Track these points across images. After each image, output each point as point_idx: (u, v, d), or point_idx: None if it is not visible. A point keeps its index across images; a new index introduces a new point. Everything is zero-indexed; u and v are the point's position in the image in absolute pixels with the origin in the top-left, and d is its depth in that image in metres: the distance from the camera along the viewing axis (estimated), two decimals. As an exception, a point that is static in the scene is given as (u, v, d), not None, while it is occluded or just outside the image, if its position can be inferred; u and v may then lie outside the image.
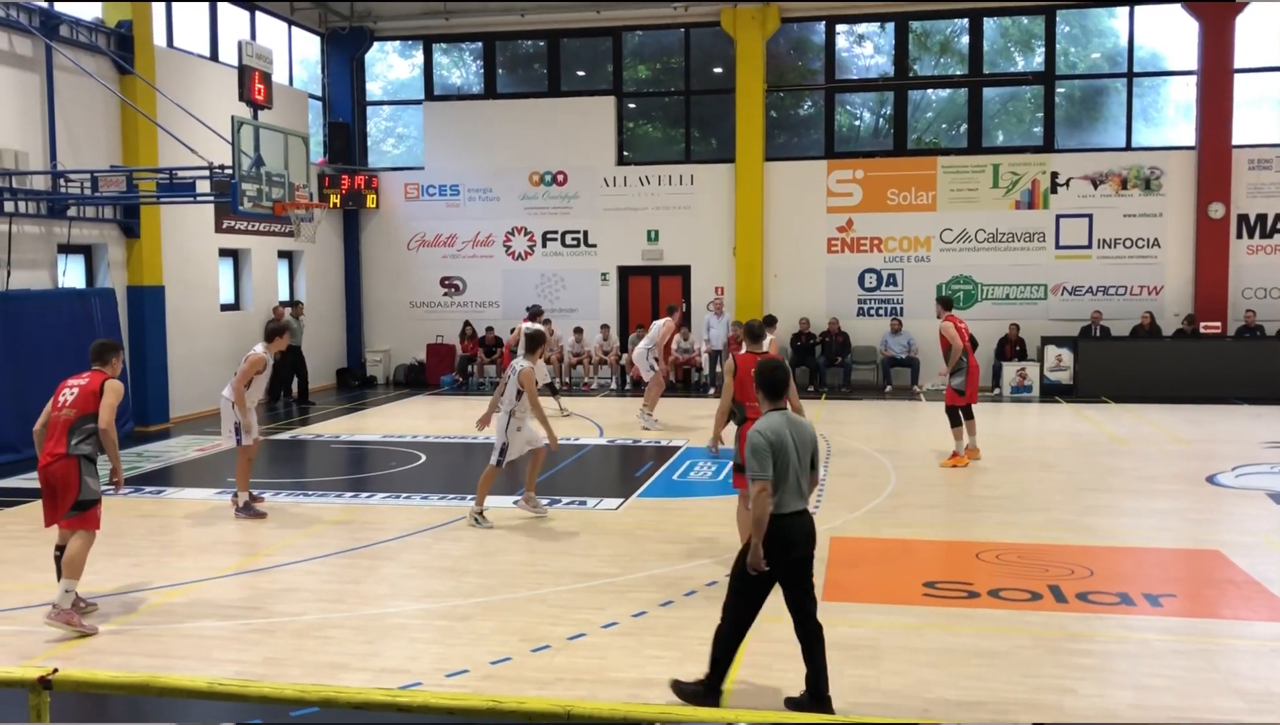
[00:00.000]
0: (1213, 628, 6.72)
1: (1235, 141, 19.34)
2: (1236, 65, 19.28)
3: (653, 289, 21.83)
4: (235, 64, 13.80)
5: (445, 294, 22.24)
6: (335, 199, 21.41)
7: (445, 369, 21.51)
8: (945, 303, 12.86)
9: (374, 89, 23.08)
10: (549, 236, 21.86)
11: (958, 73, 20.99)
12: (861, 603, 7.14)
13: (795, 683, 5.66)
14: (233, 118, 12.92)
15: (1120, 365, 18.37)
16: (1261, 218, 19.48)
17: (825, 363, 20.21)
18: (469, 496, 10.18)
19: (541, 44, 22.24)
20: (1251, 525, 9.30)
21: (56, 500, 6.86)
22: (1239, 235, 19.51)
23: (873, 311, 20.69)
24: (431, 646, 6.42)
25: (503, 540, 8.91)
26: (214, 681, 3.09)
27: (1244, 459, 12.29)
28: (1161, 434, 14.64)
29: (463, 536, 9.09)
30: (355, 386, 21.56)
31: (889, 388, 19.86)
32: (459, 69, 23.19)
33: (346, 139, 21.90)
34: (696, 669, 5.87)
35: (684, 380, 20.65)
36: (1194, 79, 19.63)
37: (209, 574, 7.99)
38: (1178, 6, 19.46)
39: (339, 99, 22.17)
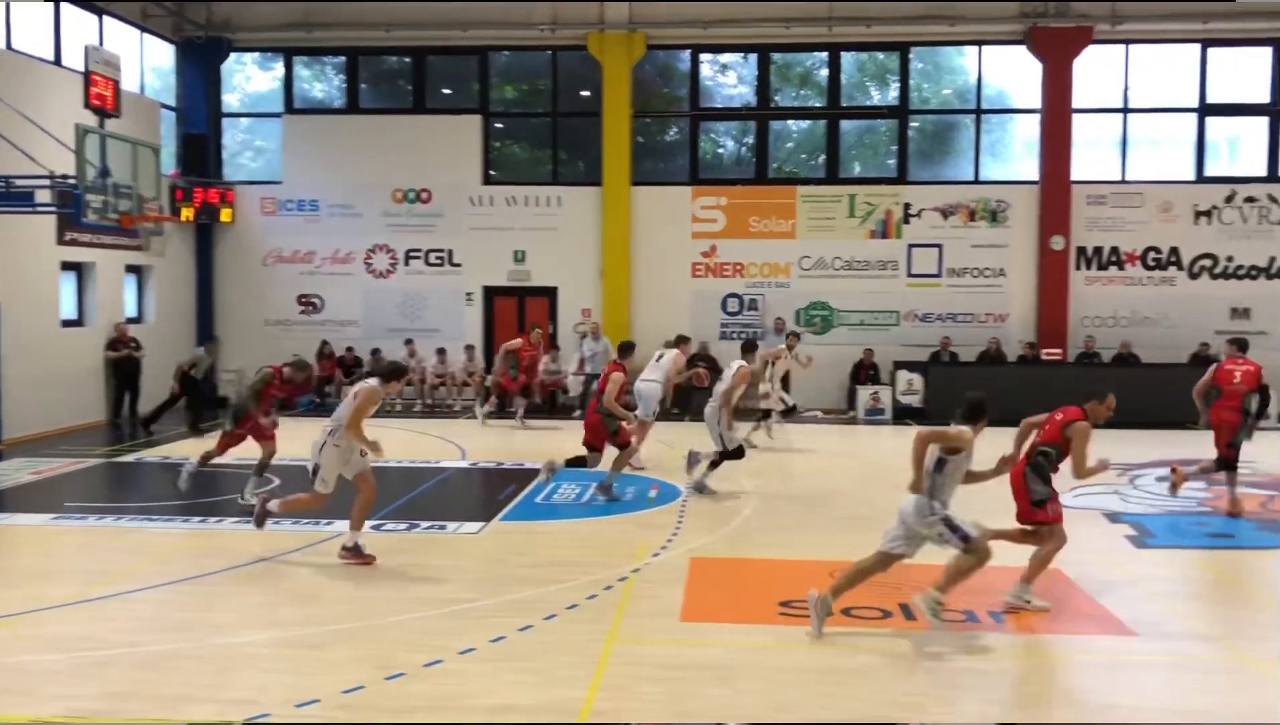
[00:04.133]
0: (1052, 642, 7.01)
1: (1074, 177, 20.42)
2: (1075, 105, 20.38)
3: (519, 310, 21.73)
4: (81, 69, 13.21)
5: (302, 312, 21.68)
6: (188, 212, 20.65)
7: (302, 390, 20.90)
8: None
9: (231, 100, 22.40)
10: (412, 255, 21.55)
11: (817, 105, 21.59)
12: (718, 623, 7.22)
13: (655, 704, 5.68)
14: (77, 126, 12.36)
15: (968, 389, 18.97)
16: (1098, 250, 20.59)
17: (691, 385, 20.39)
18: (324, 522, 9.90)
19: (407, 60, 21.98)
20: (1090, 544, 9.74)
21: None
22: (1078, 266, 20.57)
23: (736, 335, 21.01)
24: (282, 676, 6.20)
25: (359, 566, 8.68)
26: (36, 721, 2.91)
27: (1083, 482, 12.87)
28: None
29: (318, 562, 8.83)
30: (208, 407, 20.74)
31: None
32: (321, 82, 22.73)
33: (201, 151, 21.16)
34: (555, 694, 5.84)
35: (550, 402, 20.56)
36: (1037, 117, 20.65)
37: (43, 604, 7.55)
38: (1022, 48, 20.46)
39: (194, 110, 21.43)
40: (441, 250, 21.50)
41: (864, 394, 19.64)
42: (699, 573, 8.42)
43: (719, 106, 22.07)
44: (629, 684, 6.01)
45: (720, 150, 22.55)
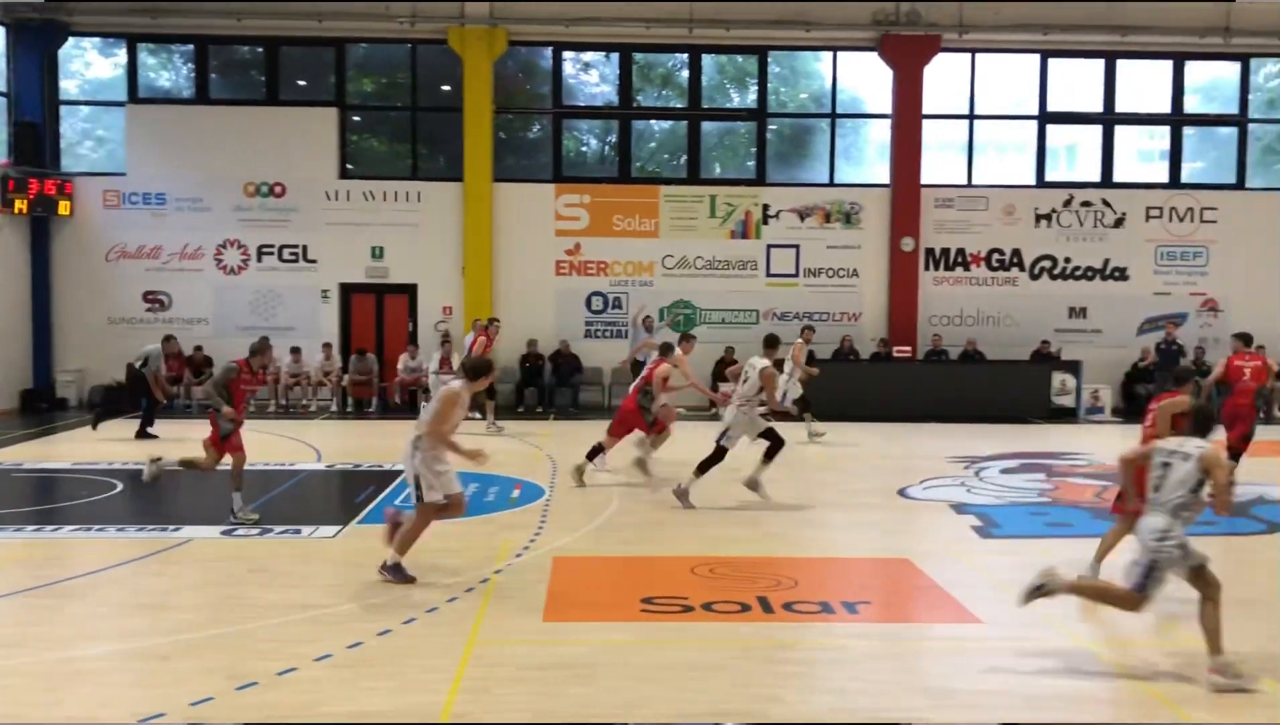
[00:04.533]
0: (902, 631, 7.25)
1: (924, 181, 21.17)
2: (925, 111, 21.12)
3: (377, 307, 21.33)
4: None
5: (149, 310, 20.81)
6: (21, 204, 19.59)
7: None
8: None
9: (70, 87, 21.34)
10: (265, 250, 20.91)
11: (678, 105, 21.82)
12: (581, 621, 7.22)
13: (516, 705, 5.65)
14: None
15: (824, 386, 19.52)
16: (945, 252, 21.40)
17: (555, 383, 20.41)
18: (171, 527, 9.53)
19: (259, 50, 21.30)
20: (936, 534, 10.14)
21: None
22: (926, 267, 21.35)
23: (599, 333, 21.08)
24: (125, 690, 5.94)
25: (208, 573, 8.39)
26: None
27: (931, 473, 13.38)
28: (861, 451, 15.73)
29: (165, 570, 8.49)
30: (44, 410, 19.74)
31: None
32: (168, 71, 21.87)
33: (36, 140, 20.08)
34: (414, 698, 5.75)
35: (410, 402, 20.23)
36: (889, 122, 21.33)
37: None
38: (874, 55, 21.09)
39: (28, 96, 20.30)
40: (296, 246, 20.93)
41: (724, 391, 19.92)
42: (562, 572, 8.41)
43: (581, 105, 22.10)
44: (490, 686, 5.96)
45: (583, 148, 22.58)
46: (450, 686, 5.93)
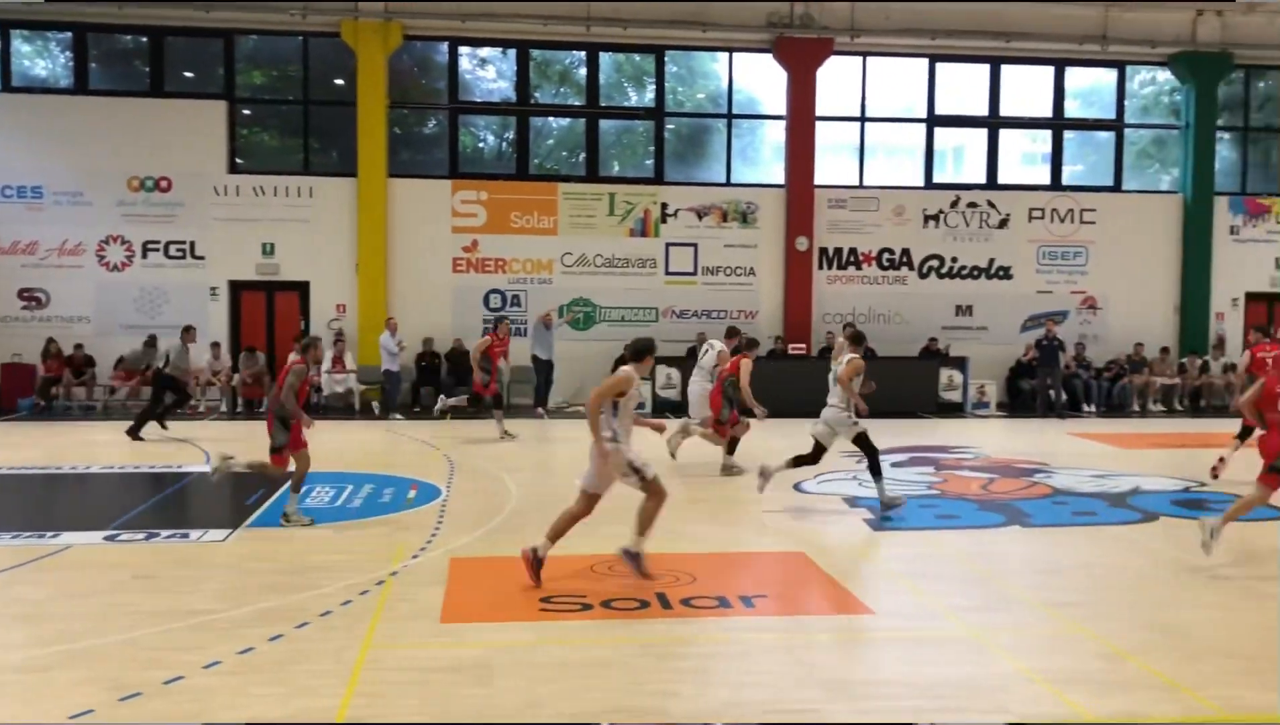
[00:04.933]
0: (797, 624, 7.36)
1: (817, 182, 21.53)
2: (819, 113, 21.48)
3: (268, 305, 20.84)
4: None
5: (25, 307, 20.00)
6: (-116, 196, 18.62)
7: (24, 391, 19.29)
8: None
9: (-63, 74, 20.36)
10: (150, 246, 20.26)
11: (576, 103, 21.79)
12: (479, 622, 7.17)
13: (412, 708, 5.58)
14: None
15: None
16: (838, 251, 21.82)
17: (453, 382, 20.17)
18: (49, 534, 9.17)
19: (143, 40, 20.61)
20: (831, 528, 10.33)
21: None
22: (820, 266, 21.73)
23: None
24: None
25: (89, 581, 8.09)
26: None
27: (825, 468, 13.61)
28: (758, 447, 15.90)
29: (42, 579, 8.16)
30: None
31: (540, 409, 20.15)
32: (44, 60, 21.03)
33: (-101, 129, 19.13)
34: (307, 704, 5.64)
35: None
36: (784, 123, 21.63)
37: None
38: (769, 57, 21.37)
39: (-110, 82, 19.32)
40: (183, 242, 20.32)
41: (624, 389, 19.97)
42: (459, 573, 8.34)
43: (478, 100, 21.91)
44: (385, 689, 5.88)
45: (480, 144, 22.40)
46: (345, 691, 5.83)
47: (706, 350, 14.02)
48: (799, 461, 11.15)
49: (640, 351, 8.27)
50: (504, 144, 22.15)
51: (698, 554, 9.12)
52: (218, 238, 20.33)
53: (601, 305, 21.25)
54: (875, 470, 10.96)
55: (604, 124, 21.89)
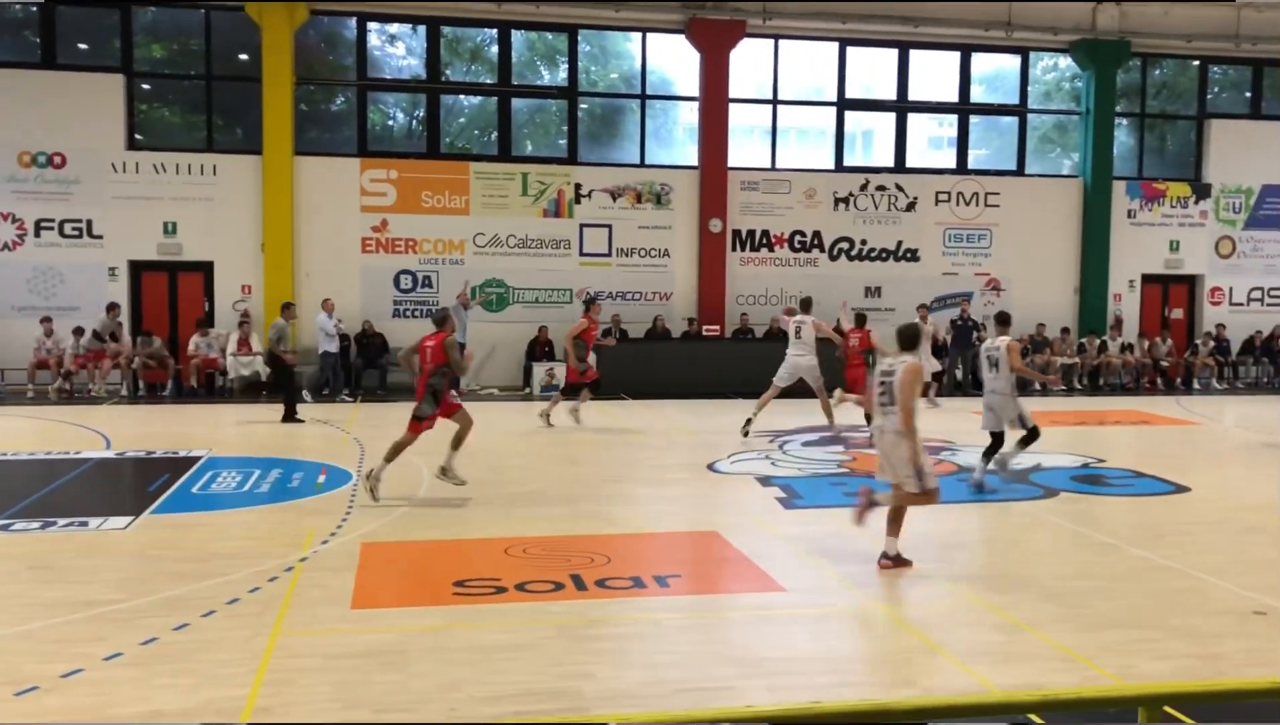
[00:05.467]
0: (711, 603, 7.44)
1: (731, 164, 21.64)
2: (732, 95, 21.58)
3: (170, 287, 20.27)
4: None
5: (-92, 288, 19.13)
6: None
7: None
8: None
9: None
10: (44, 225, 19.54)
11: (488, 81, 21.56)
12: (391, 608, 7.10)
13: (323, 696, 5.50)
14: None
15: (637, 365, 19.82)
16: (751, 233, 21.98)
17: (362, 364, 19.89)
18: (-61, 523, 8.79)
19: (33, 9, 19.80)
20: (743, 507, 10.44)
21: None
22: (734, 248, 21.87)
23: (408, 313, 20.67)
24: (-116, 704, 5.46)
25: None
26: None
27: (738, 448, 13.76)
28: (672, 427, 16.02)
29: (-70, 570, 7.84)
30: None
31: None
32: (-74, 28, 20.05)
33: None
34: (214, 694, 5.52)
35: (207, 385, 19.35)
36: (697, 105, 21.69)
37: None
38: (682, 38, 21.38)
39: None
40: (79, 220, 19.64)
41: (539, 371, 19.93)
42: (370, 558, 8.23)
43: (388, 78, 21.54)
44: (295, 678, 5.78)
45: (390, 122, 22.03)
46: (253, 680, 5.72)
47: (800, 326, 14.98)
48: (1026, 442, 11.24)
49: (911, 338, 8.02)
50: (414, 122, 21.82)
51: (612, 535, 9.14)
52: (116, 216, 19.68)
53: (515, 286, 21.10)
54: (1026, 443, 11.23)
55: (516, 103, 21.69)
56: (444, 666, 5.99)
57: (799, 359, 14.81)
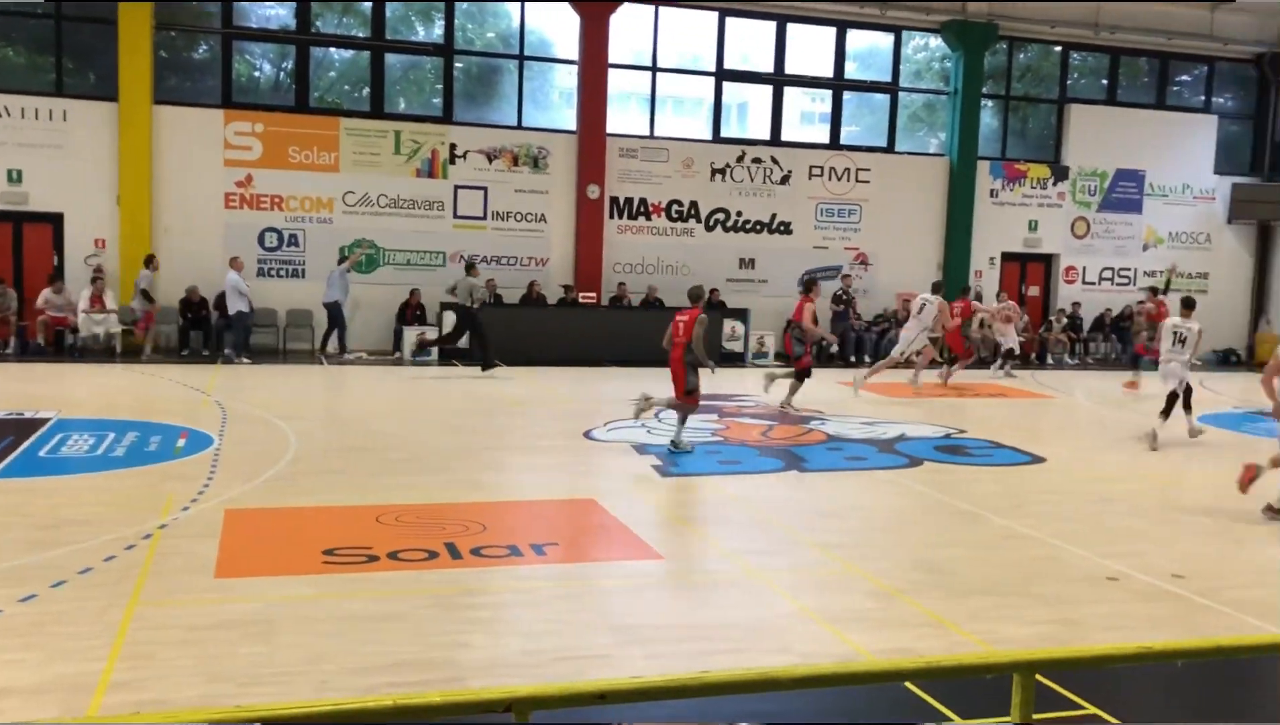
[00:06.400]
0: (588, 571, 7.41)
1: (609, 130, 21.49)
2: (611, 60, 21.40)
3: (15, 238, 19.13)
4: None
5: None
6: None
7: None
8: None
9: None
10: (-127, 169, 18.17)
11: (360, 35, 20.88)
12: (257, 577, 6.84)
13: (185, 668, 5.27)
14: None
15: (512, 331, 19.55)
16: (629, 201, 21.91)
17: (224, 326, 19.14)
18: None
19: None
20: (620, 474, 10.44)
21: None
22: (611, 215, 21.77)
23: (274, 272, 19.98)
24: None
25: None
26: None
27: (615, 416, 13.74)
28: (548, 394, 15.92)
29: None
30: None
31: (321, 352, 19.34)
32: None
33: None
34: (66, 669, 5.23)
35: (56, 343, 18.34)
36: (576, 68, 21.45)
37: None
38: (564, 1, 21.08)
39: None
40: (-87, 165, 18.32)
41: (410, 335, 19.50)
42: (235, 525, 7.93)
43: (254, 27, 20.65)
44: (155, 650, 5.52)
45: (256, 73, 21.16)
46: (109, 653, 5.44)
47: (924, 305, 16.87)
48: (1172, 409, 12.72)
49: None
50: (282, 74, 21.00)
51: (487, 503, 9.02)
52: (-46, 162, 18.44)
53: (386, 247, 20.58)
54: (1186, 406, 12.94)
55: (390, 58, 21.08)
56: (313, 638, 5.81)
57: (909, 333, 17.13)
